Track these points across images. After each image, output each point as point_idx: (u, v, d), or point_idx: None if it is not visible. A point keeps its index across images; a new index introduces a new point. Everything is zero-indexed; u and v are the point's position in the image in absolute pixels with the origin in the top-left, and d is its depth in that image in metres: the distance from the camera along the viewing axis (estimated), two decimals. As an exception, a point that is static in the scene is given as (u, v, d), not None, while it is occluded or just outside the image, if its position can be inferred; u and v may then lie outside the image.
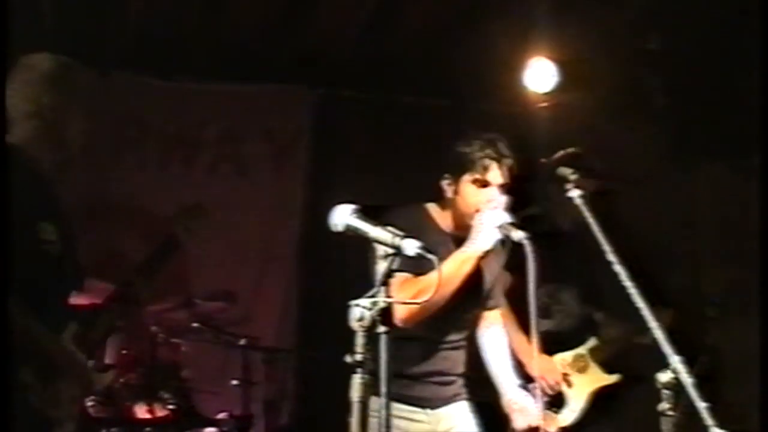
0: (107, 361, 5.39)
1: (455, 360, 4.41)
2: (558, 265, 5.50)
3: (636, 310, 3.35)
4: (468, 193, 4.22)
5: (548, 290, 5.51)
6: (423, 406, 4.26)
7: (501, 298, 4.61)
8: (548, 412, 5.36)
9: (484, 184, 4.20)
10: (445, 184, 4.31)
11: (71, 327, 3.95)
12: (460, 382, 4.46)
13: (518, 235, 3.92)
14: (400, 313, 3.92)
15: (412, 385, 4.21)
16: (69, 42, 6.19)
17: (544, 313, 5.50)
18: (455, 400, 4.41)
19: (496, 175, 4.21)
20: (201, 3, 6.33)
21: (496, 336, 4.58)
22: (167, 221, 4.33)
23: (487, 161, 4.19)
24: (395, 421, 3.90)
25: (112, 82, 6.70)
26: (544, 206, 5.56)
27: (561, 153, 5.47)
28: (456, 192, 4.26)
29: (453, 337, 4.36)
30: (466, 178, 4.22)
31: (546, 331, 5.49)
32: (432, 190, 4.36)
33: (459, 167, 4.24)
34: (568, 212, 5.21)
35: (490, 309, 4.58)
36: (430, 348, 4.28)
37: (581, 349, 5.52)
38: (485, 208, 4.11)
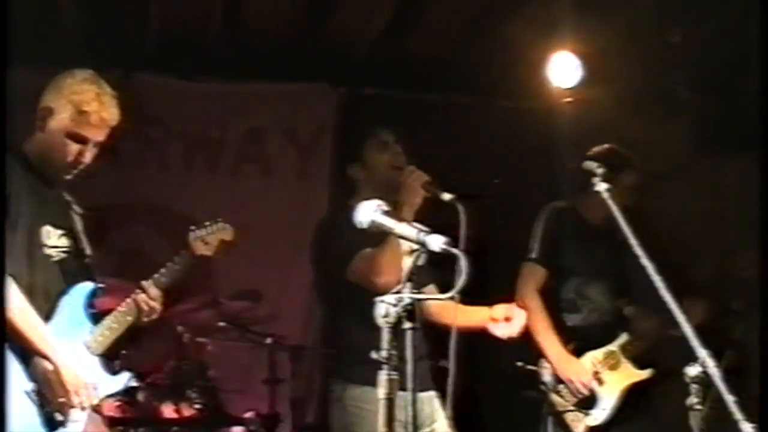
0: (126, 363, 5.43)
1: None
2: (587, 259, 5.49)
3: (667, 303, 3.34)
4: (376, 158, 4.42)
5: (575, 284, 5.49)
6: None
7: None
8: (577, 413, 5.34)
9: (383, 143, 4.44)
10: (352, 169, 4.49)
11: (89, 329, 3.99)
12: (428, 369, 4.35)
13: (447, 196, 3.90)
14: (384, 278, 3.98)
15: None
16: (92, 44, 6.25)
17: (570, 308, 5.49)
18: (428, 389, 4.31)
19: (386, 134, 4.45)
20: (223, 4, 6.33)
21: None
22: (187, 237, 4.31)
23: (373, 128, 4.49)
24: (368, 407, 3.83)
25: (135, 83, 6.73)
26: (574, 198, 5.55)
27: (602, 148, 5.44)
28: (364, 165, 4.46)
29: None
30: (370, 148, 4.44)
31: (573, 326, 5.47)
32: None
33: (359, 143, 4.49)
34: (597, 206, 5.22)
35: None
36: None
37: (612, 346, 5.48)
38: (398, 165, 4.28)
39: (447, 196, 3.90)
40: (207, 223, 4.36)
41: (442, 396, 4.41)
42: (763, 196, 4.65)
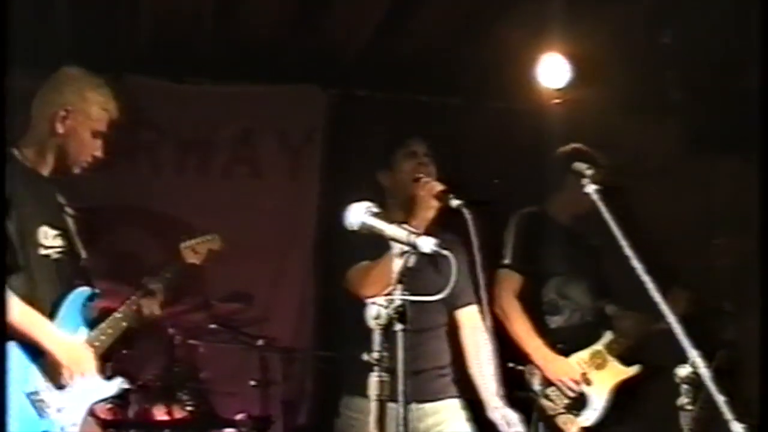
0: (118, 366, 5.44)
1: (431, 348, 4.38)
2: (563, 260, 5.51)
3: (649, 299, 3.34)
4: (402, 166, 4.46)
5: (555, 285, 5.51)
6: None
7: (472, 295, 4.48)
8: (568, 415, 5.35)
9: (412, 153, 4.47)
10: (381, 175, 4.54)
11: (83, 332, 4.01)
12: (448, 378, 4.45)
13: (455, 202, 3.97)
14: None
15: None
16: (82, 45, 6.24)
17: (552, 309, 5.51)
18: (443, 397, 4.39)
19: (418, 144, 4.49)
20: (214, 5, 6.33)
21: (476, 340, 4.54)
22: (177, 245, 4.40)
23: (406, 137, 4.53)
24: (362, 419, 3.86)
25: (126, 85, 6.71)
26: (550, 200, 5.58)
27: (568, 147, 5.47)
28: (392, 173, 4.50)
29: (424, 324, 4.27)
30: (398, 155, 4.49)
31: (557, 328, 5.49)
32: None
33: (390, 151, 4.52)
34: (567, 206, 5.27)
35: (460, 307, 4.55)
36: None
37: (597, 346, 5.51)
38: (419, 176, 4.31)
39: (455, 203, 3.96)
40: (197, 233, 4.49)
41: (467, 403, 4.45)
42: (763, 197, 4.67)
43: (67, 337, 3.92)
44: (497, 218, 5.76)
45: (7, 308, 3.55)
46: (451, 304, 4.50)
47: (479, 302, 4.39)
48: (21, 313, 3.75)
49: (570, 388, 5.36)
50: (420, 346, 4.23)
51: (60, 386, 3.87)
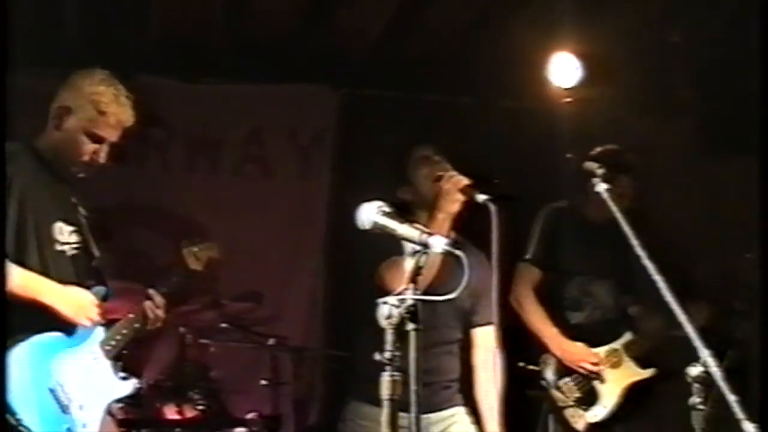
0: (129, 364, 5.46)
1: (442, 364, 4.35)
2: (589, 258, 5.50)
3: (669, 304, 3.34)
4: (419, 174, 4.36)
5: (578, 282, 5.51)
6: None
7: (492, 314, 4.09)
8: (577, 409, 5.36)
9: (424, 157, 4.36)
10: (401, 192, 4.40)
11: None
12: (454, 389, 4.42)
13: (482, 197, 3.86)
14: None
15: None
16: (93, 45, 6.25)
17: (574, 305, 5.51)
18: (449, 406, 4.36)
19: (427, 149, 4.39)
20: (225, 4, 6.33)
21: (487, 365, 4.42)
22: (179, 251, 4.43)
23: (413, 146, 4.44)
24: (370, 426, 3.87)
25: (137, 85, 6.71)
26: (575, 199, 5.56)
27: (598, 150, 5.44)
28: (412, 186, 4.38)
29: (437, 340, 4.26)
30: (411, 166, 4.39)
31: (577, 323, 5.49)
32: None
33: (403, 166, 4.42)
34: (599, 205, 5.21)
35: (479, 325, 4.47)
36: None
37: (615, 344, 5.51)
38: (440, 175, 4.19)
39: (481, 198, 3.87)
40: (197, 240, 4.52)
41: (472, 410, 4.44)
42: (763, 196, 4.66)
43: (64, 287, 3.91)
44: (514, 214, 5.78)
45: (6, 307, 3.56)
46: (470, 322, 4.45)
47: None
48: (15, 275, 3.74)
49: (590, 371, 5.36)
50: (430, 361, 4.16)
51: (72, 332, 3.92)
